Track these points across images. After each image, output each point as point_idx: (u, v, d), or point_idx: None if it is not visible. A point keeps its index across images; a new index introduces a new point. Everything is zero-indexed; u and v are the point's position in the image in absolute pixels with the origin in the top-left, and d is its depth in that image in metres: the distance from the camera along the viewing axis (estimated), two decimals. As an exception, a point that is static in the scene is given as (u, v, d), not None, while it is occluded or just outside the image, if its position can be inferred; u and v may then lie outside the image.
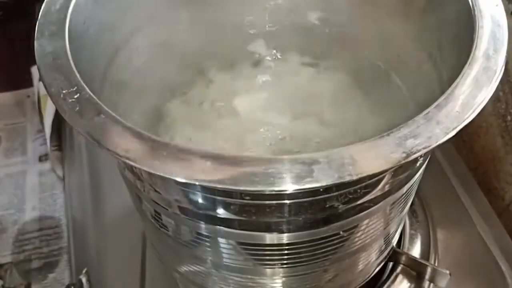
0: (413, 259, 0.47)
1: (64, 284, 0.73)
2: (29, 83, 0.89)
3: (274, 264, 0.35)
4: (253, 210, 0.29)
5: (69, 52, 0.30)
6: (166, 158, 0.24)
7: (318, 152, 0.25)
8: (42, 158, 0.86)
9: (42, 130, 0.83)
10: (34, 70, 0.86)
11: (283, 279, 0.37)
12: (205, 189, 0.29)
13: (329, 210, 0.30)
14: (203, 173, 0.24)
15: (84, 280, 0.50)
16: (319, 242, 0.33)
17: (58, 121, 0.78)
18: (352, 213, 0.31)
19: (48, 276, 0.75)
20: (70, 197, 0.71)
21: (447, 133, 0.26)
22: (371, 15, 0.43)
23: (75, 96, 0.28)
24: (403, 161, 0.24)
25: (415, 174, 0.34)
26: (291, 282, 0.37)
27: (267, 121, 0.43)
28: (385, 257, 0.44)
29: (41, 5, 0.34)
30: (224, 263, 0.36)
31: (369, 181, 0.29)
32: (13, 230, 0.79)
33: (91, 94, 0.28)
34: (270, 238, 0.32)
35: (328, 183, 0.24)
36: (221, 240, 0.33)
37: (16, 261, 0.76)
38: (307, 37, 0.48)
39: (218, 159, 0.24)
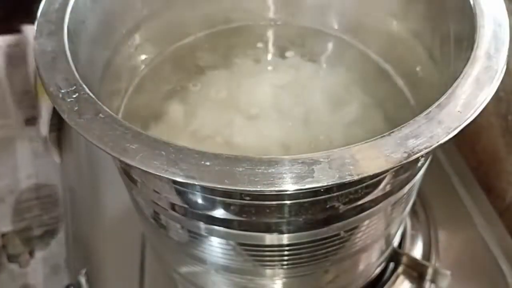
0: (414, 259, 0.47)
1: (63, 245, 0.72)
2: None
3: (274, 265, 0.35)
4: (253, 210, 0.29)
5: (68, 51, 0.30)
6: (165, 158, 0.24)
7: (318, 152, 0.24)
8: (29, 122, 0.79)
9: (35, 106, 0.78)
10: (26, 29, 0.81)
11: (283, 280, 0.37)
12: (204, 189, 0.29)
13: (329, 211, 0.30)
14: (202, 173, 0.24)
15: (83, 280, 0.50)
16: (320, 242, 0.33)
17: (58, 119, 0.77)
18: (353, 213, 0.31)
19: (50, 243, 0.75)
20: (68, 197, 0.71)
21: (449, 133, 0.25)
22: (371, 14, 0.43)
23: (74, 96, 0.27)
24: (404, 161, 0.24)
25: (416, 174, 0.34)
26: (292, 283, 0.37)
27: (267, 120, 0.43)
28: (386, 257, 0.44)
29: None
30: (224, 264, 0.35)
31: (370, 181, 0.29)
32: (10, 199, 0.78)
33: (90, 93, 0.28)
34: (270, 238, 0.32)
35: (329, 183, 0.23)
36: (220, 240, 0.33)
37: (17, 229, 0.76)
38: (308, 35, 0.47)
39: (217, 159, 0.24)
